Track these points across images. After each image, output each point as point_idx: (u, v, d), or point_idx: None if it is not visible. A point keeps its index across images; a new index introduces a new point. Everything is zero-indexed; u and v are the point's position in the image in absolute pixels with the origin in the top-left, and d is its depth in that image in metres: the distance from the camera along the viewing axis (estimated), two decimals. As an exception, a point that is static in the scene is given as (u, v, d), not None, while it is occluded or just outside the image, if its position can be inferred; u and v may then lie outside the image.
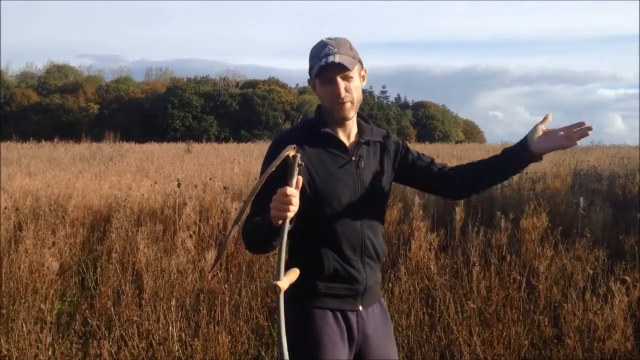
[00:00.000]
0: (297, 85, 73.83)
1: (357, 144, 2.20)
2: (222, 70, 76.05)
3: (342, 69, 2.09)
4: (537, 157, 2.16)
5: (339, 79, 2.09)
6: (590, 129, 2.04)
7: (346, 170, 2.14)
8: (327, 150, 2.14)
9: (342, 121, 2.16)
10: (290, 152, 1.83)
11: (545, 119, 2.16)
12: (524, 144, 2.15)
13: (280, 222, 1.77)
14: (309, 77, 2.21)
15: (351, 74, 2.12)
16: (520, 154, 2.17)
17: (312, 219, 2.06)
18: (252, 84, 67.93)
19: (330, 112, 2.15)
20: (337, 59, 2.06)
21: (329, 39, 2.13)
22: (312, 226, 2.08)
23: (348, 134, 2.20)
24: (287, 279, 1.72)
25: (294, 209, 1.76)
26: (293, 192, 1.76)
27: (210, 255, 4.87)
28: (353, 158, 2.16)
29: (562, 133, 2.09)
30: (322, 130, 2.15)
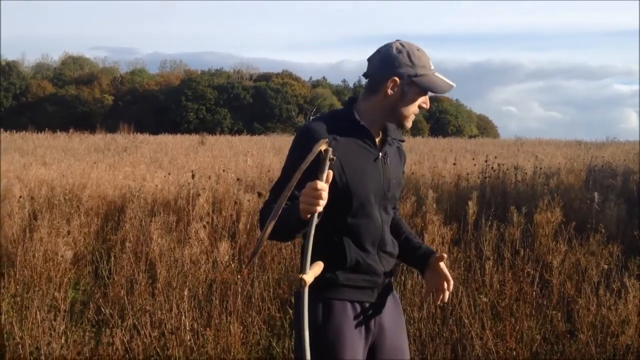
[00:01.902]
0: (311, 78, 73.84)
1: (384, 141, 2.20)
2: (235, 63, 75.98)
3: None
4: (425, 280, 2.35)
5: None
6: (443, 302, 2.30)
7: (376, 166, 2.14)
8: (359, 144, 2.12)
9: (401, 128, 2.21)
10: (323, 146, 1.80)
11: (441, 256, 2.26)
12: (424, 264, 2.30)
13: (309, 215, 1.77)
14: (395, 76, 2.09)
15: None
16: (417, 267, 2.37)
17: (338, 211, 2.05)
18: (266, 77, 67.93)
19: (401, 119, 2.15)
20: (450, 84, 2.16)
21: (420, 49, 2.17)
22: (337, 218, 2.07)
23: (375, 130, 2.19)
24: (312, 273, 1.72)
25: (323, 203, 1.75)
26: (323, 187, 1.75)
27: (223, 246, 4.88)
28: (380, 154, 2.16)
29: (443, 277, 2.26)
30: (359, 123, 2.12)
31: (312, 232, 1.74)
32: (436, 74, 2.13)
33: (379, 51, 2.14)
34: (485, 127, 77.18)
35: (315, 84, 70.58)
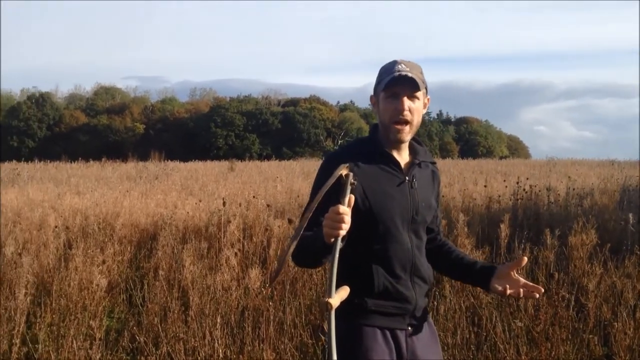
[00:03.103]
0: (339, 102, 74.13)
1: (411, 164, 2.21)
2: (263, 89, 76.78)
3: (411, 86, 2.11)
4: (490, 292, 2.26)
5: (405, 97, 2.12)
6: (540, 293, 2.16)
7: (401, 190, 2.14)
8: (382, 169, 2.14)
9: (396, 143, 2.17)
10: (344, 170, 1.83)
11: (519, 261, 2.17)
12: (488, 276, 2.20)
13: (332, 239, 1.79)
14: (371, 94, 2.22)
15: (418, 94, 2.14)
16: (479, 281, 2.26)
17: (364, 236, 2.06)
18: (294, 102, 68.40)
19: (387, 131, 2.15)
20: (410, 75, 2.09)
21: (402, 60, 2.16)
22: (364, 243, 2.08)
23: (401, 153, 2.20)
24: (338, 296, 1.73)
25: (346, 227, 1.77)
26: (345, 211, 1.77)
27: (254, 272, 4.90)
28: (407, 178, 2.16)
29: (522, 283, 2.16)
30: (379, 149, 2.15)
31: (337, 255, 1.75)
32: (398, 73, 2.10)
33: None
34: (516, 148, 76.55)
35: (343, 108, 70.82)
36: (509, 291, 2.14)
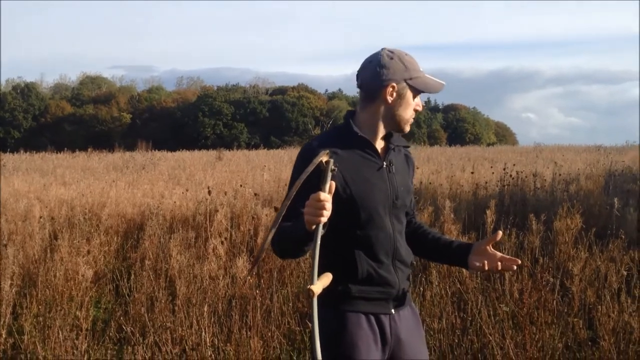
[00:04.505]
0: (327, 91, 73.96)
1: (387, 149, 2.21)
2: (252, 78, 76.39)
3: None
4: (469, 270, 2.28)
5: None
6: (517, 264, 2.16)
7: (380, 175, 2.15)
8: (361, 155, 2.14)
9: (400, 133, 2.22)
10: (323, 157, 1.83)
11: (494, 237, 2.18)
12: (465, 254, 2.23)
13: (314, 227, 1.79)
14: (392, 82, 2.13)
15: None
16: (457, 260, 2.28)
17: (346, 223, 2.07)
18: (282, 91, 68.15)
19: (403, 123, 2.18)
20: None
21: (408, 53, 2.20)
22: (346, 230, 2.08)
23: (377, 139, 2.21)
24: (320, 283, 1.74)
25: (327, 214, 1.77)
26: (326, 198, 1.77)
27: (242, 261, 4.90)
28: (385, 163, 2.17)
29: (499, 257, 2.17)
30: (356, 134, 2.15)
31: (318, 243, 1.76)
32: (427, 75, 2.17)
33: (370, 61, 2.16)
34: (503, 135, 76.73)
35: (332, 96, 70.64)
36: (487, 266, 2.15)
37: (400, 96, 2.14)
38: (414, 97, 2.17)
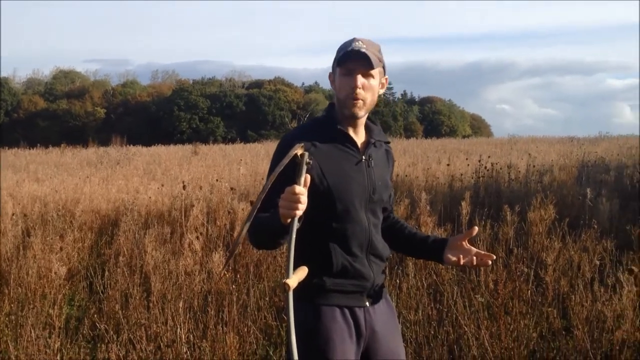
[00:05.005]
0: (303, 84, 73.76)
1: (367, 143, 2.21)
2: (228, 72, 75.75)
3: (366, 63, 2.08)
4: (444, 264, 2.28)
5: (359, 74, 2.10)
6: (492, 259, 2.17)
7: (358, 169, 2.14)
8: (339, 148, 2.13)
9: (351, 118, 2.15)
10: (299, 150, 1.82)
11: (470, 232, 2.19)
12: (441, 249, 2.23)
13: (289, 220, 1.78)
14: (330, 71, 2.20)
15: (373, 72, 2.12)
16: (433, 254, 2.28)
17: (322, 216, 2.06)
18: (258, 84, 67.81)
19: (342, 107, 2.14)
20: (364, 51, 2.07)
21: (361, 38, 2.14)
22: (322, 223, 2.08)
23: (358, 133, 2.20)
24: (296, 277, 1.73)
25: (302, 207, 1.77)
26: (301, 191, 1.77)
27: (218, 256, 4.87)
28: (364, 157, 2.16)
29: (474, 252, 2.18)
30: (335, 127, 2.14)
31: (294, 236, 1.75)
32: (351, 48, 2.09)
33: None
34: (478, 127, 77.19)
35: (308, 90, 70.46)
36: (462, 261, 2.16)
37: (335, 80, 2.17)
38: (342, 73, 2.13)
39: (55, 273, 4.83)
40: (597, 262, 4.52)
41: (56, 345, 3.76)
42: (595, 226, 5.42)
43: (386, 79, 2.24)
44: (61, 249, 5.72)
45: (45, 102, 60.83)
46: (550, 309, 4.16)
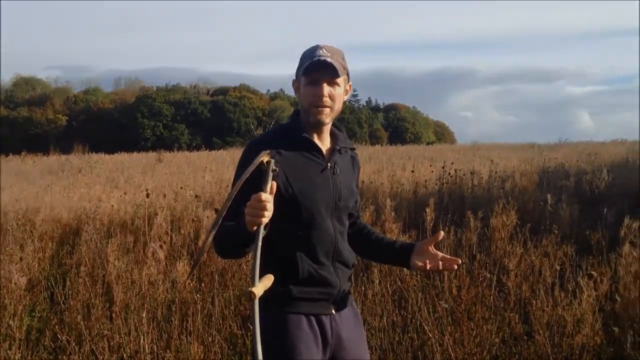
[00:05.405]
0: (269, 91, 73.67)
1: (332, 150, 2.21)
2: (192, 78, 75.38)
3: (331, 72, 2.09)
4: (411, 269, 2.32)
5: (324, 83, 2.10)
6: (458, 263, 2.19)
7: (324, 176, 2.15)
8: (305, 155, 2.14)
9: (317, 125, 2.16)
10: (265, 157, 1.83)
11: (436, 236, 2.22)
12: (407, 254, 2.25)
13: (255, 228, 1.78)
14: (294, 78, 2.21)
15: (338, 81, 2.13)
16: (399, 260, 2.31)
17: (287, 224, 2.06)
18: (223, 91, 67.46)
19: (307, 114, 2.15)
20: (330, 60, 2.08)
21: (324, 45, 2.14)
22: (288, 231, 2.08)
23: (323, 140, 2.21)
24: (261, 285, 1.72)
25: (268, 214, 1.77)
26: (267, 198, 1.77)
27: (182, 265, 4.83)
28: (329, 165, 2.17)
29: (440, 257, 2.20)
30: (300, 135, 2.15)
31: (260, 244, 1.75)
32: (317, 58, 2.10)
33: None
34: (442, 134, 78.05)
35: (274, 96, 70.39)
36: (429, 266, 2.18)
37: (299, 88, 2.18)
38: (305, 82, 2.14)
39: (15, 284, 4.73)
40: (558, 267, 4.60)
41: (17, 357, 3.70)
42: (556, 231, 5.52)
43: (350, 85, 2.25)
44: (21, 259, 5.61)
45: (6, 110, 59.58)
46: (512, 314, 4.22)
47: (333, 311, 2.17)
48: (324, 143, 2.21)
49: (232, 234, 1.92)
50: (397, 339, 4.01)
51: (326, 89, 2.11)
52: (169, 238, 6.42)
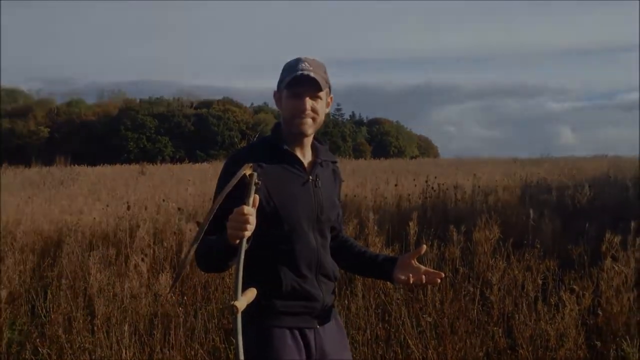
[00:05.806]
0: (252, 104, 73.70)
1: (314, 163, 2.22)
2: (176, 91, 75.20)
3: (314, 87, 2.11)
4: (394, 284, 2.36)
5: (307, 97, 2.11)
6: (441, 277, 2.18)
7: (305, 189, 2.15)
8: (286, 169, 2.14)
9: (299, 137, 2.16)
10: (247, 170, 1.82)
11: (418, 250, 2.23)
12: (390, 268, 2.25)
13: (237, 241, 1.77)
14: (275, 90, 2.22)
15: (320, 94, 2.14)
16: (382, 274, 2.31)
17: (270, 237, 2.06)
18: (207, 104, 67.35)
19: (289, 126, 2.15)
20: (313, 75, 2.09)
21: (306, 58, 2.15)
22: (270, 244, 2.08)
23: (304, 153, 2.21)
24: (244, 299, 1.72)
25: (251, 228, 1.77)
26: (250, 211, 1.76)
27: (165, 278, 4.79)
28: (311, 177, 2.17)
29: (423, 271, 2.20)
30: (282, 147, 2.15)
31: (242, 257, 1.75)
32: (300, 72, 2.11)
33: None
34: (426, 148, 78.48)
35: (258, 110, 70.43)
36: (412, 279, 2.19)
37: (281, 100, 2.19)
38: (293, 95, 2.14)
39: (-5, 297, 4.68)
40: (540, 282, 4.62)
41: (-5, 372, 3.63)
42: (539, 246, 5.54)
43: (331, 97, 2.26)
44: (1, 271, 5.54)
45: (-14, 121, 59.06)
46: (495, 328, 4.23)
47: (317, 325, 2.17)
48: (305, 156, 2.21)
49: (215, 247, 1.91)
50: (380, 353, 4.01)
51: (309, 102, 2.12)
52: (151, 251, 6.37)
